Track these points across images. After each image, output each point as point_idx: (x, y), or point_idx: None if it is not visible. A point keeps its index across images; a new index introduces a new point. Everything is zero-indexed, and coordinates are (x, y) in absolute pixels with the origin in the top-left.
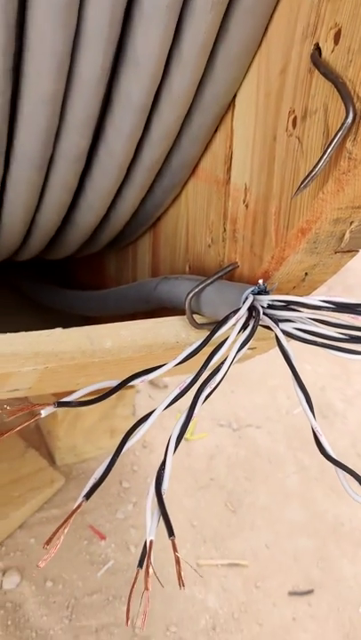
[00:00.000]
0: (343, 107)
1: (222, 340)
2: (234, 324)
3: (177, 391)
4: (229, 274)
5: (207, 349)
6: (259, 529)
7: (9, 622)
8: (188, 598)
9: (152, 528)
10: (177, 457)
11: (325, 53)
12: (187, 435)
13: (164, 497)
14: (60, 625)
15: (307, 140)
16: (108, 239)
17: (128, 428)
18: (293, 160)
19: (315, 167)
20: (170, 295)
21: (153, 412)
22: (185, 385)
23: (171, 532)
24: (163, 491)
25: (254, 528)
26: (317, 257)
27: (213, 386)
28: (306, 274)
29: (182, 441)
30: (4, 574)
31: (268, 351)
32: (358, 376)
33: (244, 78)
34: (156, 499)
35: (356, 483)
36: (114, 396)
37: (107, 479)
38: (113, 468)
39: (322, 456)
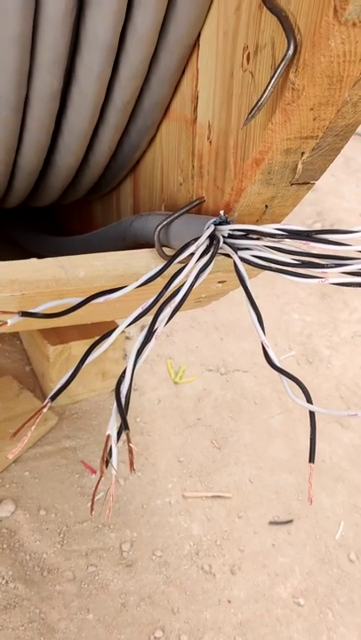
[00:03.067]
0: (286, 40)
1: (184, 265)
2: (194, 251)
3: (139, 310)
4: (197, 208)
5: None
6: (243, 465)
7: (4, 546)
8: (173, 527)
9: (112, 425)
10: (166, 398)
11: None
12: (175, 378)
13: (122, 400)
14: (53, 549)
15: (258, 74)
16: (90, 183)
17: (118, 372)
18: (247, 94)
19: (260, 97)
20: (143, 231)
21: (116, 328)
22: (147, 305)
23: (125, 427)
24: (122, 394)
25: (238, 464)
26: (274, 188)
27: (174, 306)
28: (266, 206)
29: (172, 384)
30: None
31: (239, 287)
32: (345, 324)
33: (205, 19)
34: (115, 401)
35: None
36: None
37: (98, 419)
38: (104, 410)
39: None
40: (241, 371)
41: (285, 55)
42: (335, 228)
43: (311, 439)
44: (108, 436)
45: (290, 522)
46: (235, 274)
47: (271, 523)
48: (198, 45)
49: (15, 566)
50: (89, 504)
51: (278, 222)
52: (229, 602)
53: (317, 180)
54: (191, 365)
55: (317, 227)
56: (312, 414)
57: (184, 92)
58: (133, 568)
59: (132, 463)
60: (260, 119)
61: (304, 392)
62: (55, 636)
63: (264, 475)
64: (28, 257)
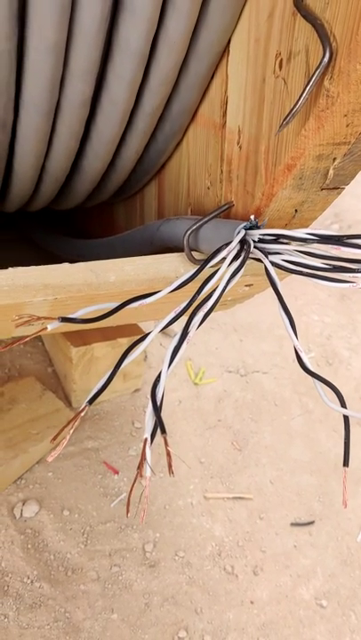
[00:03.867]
0: (321, 47)
1: (216, 270)
2: (225, 256)
3: (172, 315)
4: (226, 212)
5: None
6: (263, 466)
7: (29, 546)
8: (195, 527)
9: (148, 428)
10: (187, 400)
11: None
12: (195, 380)
13: (158, 403)
14: (77, 549)
15: (291, 80)
16: (115, 187)
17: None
18: (280, 100)
19: (295, 104)
20: (170, 235)
21: (149, 333)
22: (180, 309)
23: (163, 430)
24: (157, 397)
25: (259, 465)
26: (305, 193)
27: (206, 310)
28: (296, 210)
29: (192, 385)
30: (24, 504)
31: (266, 289)
32: None
33: (236, 25)
34: (151, 405)
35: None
36: (125, 342)
37: (120, 420)
38: (126, 411)
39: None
40: (261, 372)
41: (321, 62)
42: (354, 229)
43: (346, 443)
44: (146, 440)
45: (311, 523)
46: (262, 277)
47: (293, 524)
48: (228, 51)
49: (40, 566)
50: (113, 504)
51: (306, 226)
52: (252, 603)
53: (348, 184)
54: (211, 367)
55: (335, 228)
56: (346, 418)
57: (213, 97)
58: (156, 568)
59: (170, 466)
60: (293, 125)
61: (338, 396)
62: (80, 635)
63: (285, 476)
64: (50, 259)
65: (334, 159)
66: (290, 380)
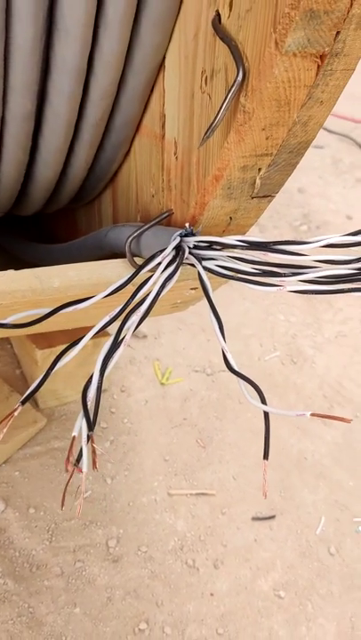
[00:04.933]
0: (236, 67)
1: (151, 275)
2: (160, 262)
3: (107, 319)
4: (168, 220)
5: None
6: (227, 463)
7: None
8: (158, 523)
9: (77, 427)
10: (153, 400)
11: (224, 19)
12: (162, 380)
13: (88, 404)
14: (42, 546)
15: (214, 96)
16: (70, 193)
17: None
18: (206, 114)
19: (214, 120)
20: (117, 241)
21: (83, 337)
22: (115, 313)
23: (90, 428)
24: (88, 398)
25: (223, 462)
26: (236, 202)
27: (141, 314)
28: (231, 218)
29: (159, 385)
30: None
31: (214, 291)
32: (329, 324)
33: (169, 43)
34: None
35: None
36: (90, 343)
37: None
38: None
39: (290, 398)
40: (226, 371)
41: (235, 81)
42: (323, 230)
43: (266, 437)
44: (74, 438)
45: (272, 517)
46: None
47: (254, 518)
48: (164, 67)
49: (5, 563)
50: (76, 502)
51: (244, 232)
52: (212, 595)
53: (277, 192)
54: (178, 367)
55: (304, 229)
56: (266, 414)
57: (153, 109)
58: (119, 563)
59: (94, 462)
60: (217, 138)
61: (259, 394)
62: (43, 629)
63: (247, 472)
64: (15, 262)
65: (259, 169)
66: (254, 379)
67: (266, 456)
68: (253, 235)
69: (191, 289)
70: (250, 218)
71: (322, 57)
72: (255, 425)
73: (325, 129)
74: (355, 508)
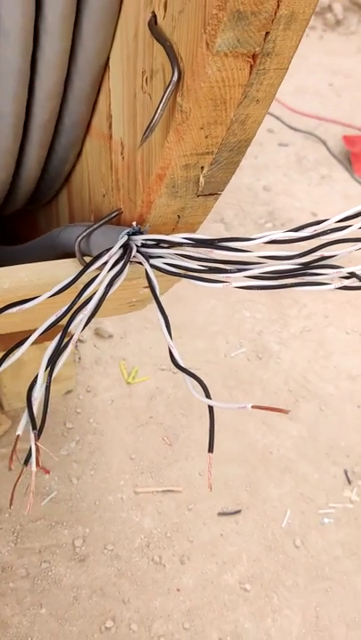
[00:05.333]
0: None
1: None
2: (107, 261)
3: (53, 318)
4: (117, 219)
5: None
6: (193, 459)
7: None
8: (125, 521)
9: (21, 425)
10: (119, 399)
11: (159, 20)
12: (128, 379)
13: (33, 404)
14: (7, 548)
15: (155, 96)
16: (26, 195)
17: (70, 375)
18: (148, 114)
19: (152, 119)
20: (68, 241)
21: (27, 338)
22: (61, 313)
23: (34, 427)
24: (33, 398)
25: (189, 459)
26: (182, 200)
27: (88, 314)
28: (179, 216)
29: (125, 385)
30: None
31: (168, 289)
32: (295, 320)
33: (112, 43)
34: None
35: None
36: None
37: (51, 421)
38: (57, 412)
39: (256, 393)
40: (193, 369)
41: (171, 81)
42: (287, 227)
43: (210, 431)
44: (18, 437)
45: (238, 512)
46: (157, 279)
47: (220, 514)
48: (109, 67)
49: None
50: (44, 503)
51: (194, 230)
52: (178, 590)
53: (223, 190)
54: (144, 366)
55: (269, 227)
56: (211, 408)
57: (101, 110)
58: (86, 563)
59: (37, 461)
60: (158, 138)
61: (203, 388)
62: (8, 631)
63: (214, 467)
64: None
65: (202, 168)
66: (220, 376)
67: (211, 449)
68: (219, 233)
69: (145, 287)
70: (198, 216)
71: (254, 57)
72: (222, 421)
73: (290, 127)
74: (320, 500)
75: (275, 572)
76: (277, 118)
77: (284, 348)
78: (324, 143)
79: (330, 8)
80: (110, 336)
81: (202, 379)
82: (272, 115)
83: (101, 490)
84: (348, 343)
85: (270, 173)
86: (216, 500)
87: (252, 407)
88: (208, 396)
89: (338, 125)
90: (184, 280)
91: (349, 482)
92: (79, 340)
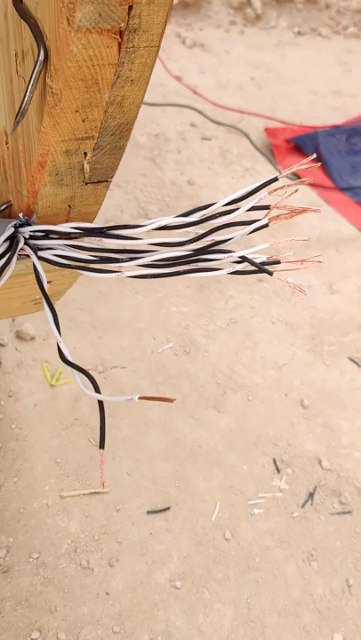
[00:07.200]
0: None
1: None
2: None
3: None
4: (8, 212)
5: None
6: (120, 459)
7: None
8: (50, 527)
9: None
10: (42, 402)
11: None
12: (52, 381)
13: None
14: None
15: (27, 79)
16: None
17: None
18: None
19: (21, 103)
20: None
21: None
22: None
23: None
24: None
25: (116, 458)
26: (69, 189)
27: None
28: (69, 206)
29: (48, 387)
30: None
31: (73, 284)
32: (221, 312)
33: None
34: None
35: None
36: None
37: None
38: None
39: (184, 388)
40: (119, 367)
41: (37, 61)
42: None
43: (101, 426)
44: None
45: (167, 509)
46: (58, 272)
47: (149, 512)
48: None
49: None
50: None
51: (90, 220)
52: (107, 594)
53: (112, 177)
54: (68, 367)
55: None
56: (101, 403)
57: None
58: (10, 573)
59: None
60: (34, 123)
61: (93, 383)
62: None
63: (142, 466)
64: None
65: (85, 154)
66: (148, 372)
67: (102, 445)
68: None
69: (48, 282)
70: (90, 205)
71: (121, 34)
72: (149, 418)
73: (213, 121)
74: (249, 491)
75: (205, 567)
76: (200, 112)
77: (211, 340)
78: (247, 136)
79: (249, 3)
80: (32, 338)
81: (127, 377)
82: (194, 109)
83: (25, 497)
84: (274, 333)
85: (194, 167)
86: (145, 499)
87: (140, 398)
88: (98, 390)
89: (260, 118)
90: (108, 277)
91: (278, 470)
92: (0, 344)
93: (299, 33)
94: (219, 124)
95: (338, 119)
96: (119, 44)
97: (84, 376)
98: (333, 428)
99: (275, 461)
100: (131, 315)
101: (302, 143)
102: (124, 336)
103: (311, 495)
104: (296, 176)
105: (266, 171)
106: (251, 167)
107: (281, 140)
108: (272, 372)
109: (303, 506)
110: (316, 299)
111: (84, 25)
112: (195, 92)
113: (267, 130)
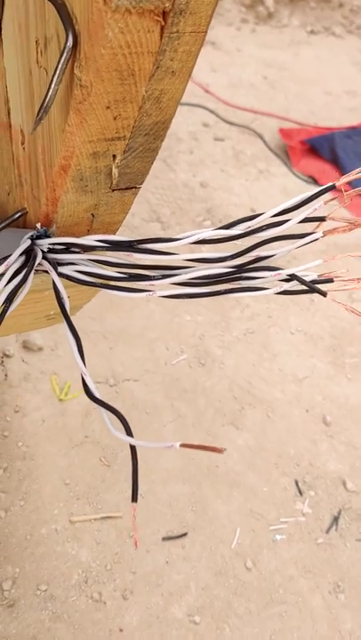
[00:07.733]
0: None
1: None
2: (4, 271)
3: None
4: (23, 221)
5: None
6: None
7: None
8: (60, 556)
9: None
10: (51, 418)
11: None
12: (61, 395)
13: None
14: None
15: (50, 70)
16: None
17: None
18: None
19: (45, 97)
20: None
21: None
22: None
23: None
24: None
25: (129, 480)
26: (93, 196)
27: None
28: (93, 215)
29: (57, 402)
30: None
31: (92, 298)
32: (237, 322)
33: (2, 11)
34: None
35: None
36: None
37: None
38: None
39: (200, 402)
40: (131, 380)
41: (65, 48)
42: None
43: (133, 475)
44: None
45: (184, 535)
46: (74, 288)
47: (165, 538)
48: (1, 40)
49: None
50: None
51: (113, 231)
52: (121, 630)
53: (142, 183)
54: (78, 380)
55: (207, 224)
56: (133, 448)
57: None
58: (16, 608)
59: None
60: (58, 121)
61: (123, 424)
62: None
63: (157, 487)
64: None
65: (114, 156)
66: (162, 386)
67: (134, 498)
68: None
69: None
70: (115, 214)
71: (164, 15)
72: (163, 435)
73: (226, 121)
74: (270, 515)
75: (226, 600)
76: (212, 112)
77: (227, 352)
78: (261, 137)
79: (261, 1)
80: (40, 349)
81: (140, 391)
82: (206, 108)
83: (33, 522)
84: (293, 344)
85: (207, 169)
86: (160, 524)
87: (181, 446)
88: (130, 433)
89: (274, 119)
90: (138, 296)
91: (301, 493)
92: (5, 355)
93: (312, 32)
94: (232, 124)
95: (353, 120)
96: (162, 29)
97: (112, 415)
98: (357, 447)
99: (297, 483)
100: (143, 324)
101: (318, 145)
102: (136, 347)
103: (336, 519)
104: (313, 179)
105: (281, 173)
106: (265, 169)
107: (296, 142)
108: (292, 386)
109: (328, 531)
110: (336, 307)
111: (122, 4)
112: (206, 91)
113: (281, 130)
